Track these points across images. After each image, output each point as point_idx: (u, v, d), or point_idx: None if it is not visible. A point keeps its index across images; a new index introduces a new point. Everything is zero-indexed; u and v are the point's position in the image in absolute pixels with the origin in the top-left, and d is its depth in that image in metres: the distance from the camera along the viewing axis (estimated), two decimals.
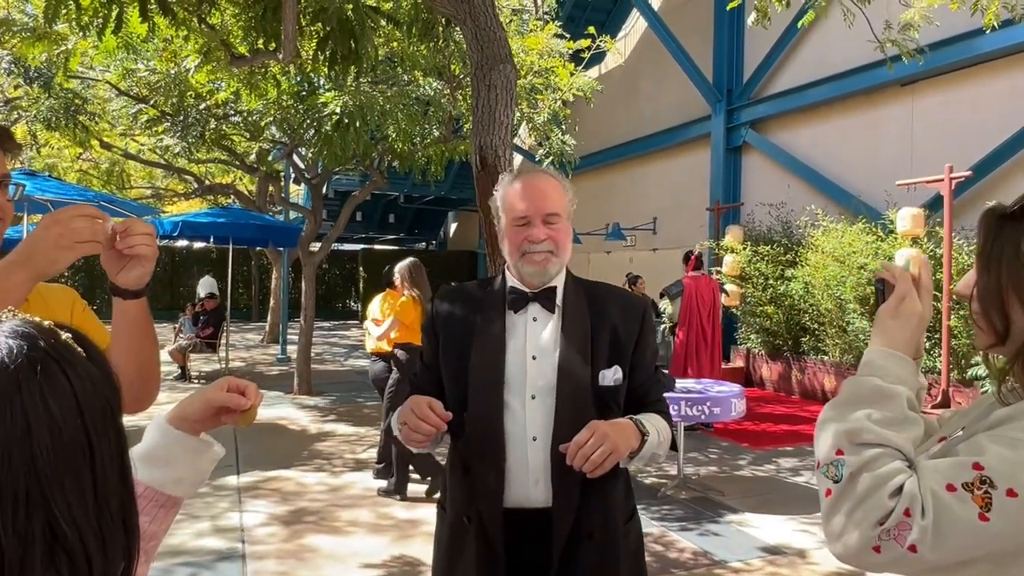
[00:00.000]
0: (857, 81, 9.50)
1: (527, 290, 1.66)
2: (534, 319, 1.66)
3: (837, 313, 8.76)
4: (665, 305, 7.99)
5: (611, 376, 1.63)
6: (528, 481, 1.58)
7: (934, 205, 8.01)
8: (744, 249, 10.16)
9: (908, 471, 0.86)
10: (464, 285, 1.80)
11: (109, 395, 0.60)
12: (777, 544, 4.32)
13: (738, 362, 10.62)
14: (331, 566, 3.93)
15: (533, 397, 1.60)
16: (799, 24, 6.06)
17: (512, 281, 1.69)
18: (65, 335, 0.60)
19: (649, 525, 4.54)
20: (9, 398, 0.53)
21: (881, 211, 8.57)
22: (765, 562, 4.06)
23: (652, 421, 1.62)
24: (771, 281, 9.78)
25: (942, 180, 7.05)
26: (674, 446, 1.75)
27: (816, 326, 9.27)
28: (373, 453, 6.36)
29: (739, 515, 4.83)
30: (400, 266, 5.39)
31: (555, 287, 1.67)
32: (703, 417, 5.15)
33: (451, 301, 1.75)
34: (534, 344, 1.64)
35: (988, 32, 4.92)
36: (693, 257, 7.89)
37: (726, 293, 9.22)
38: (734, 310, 10.33)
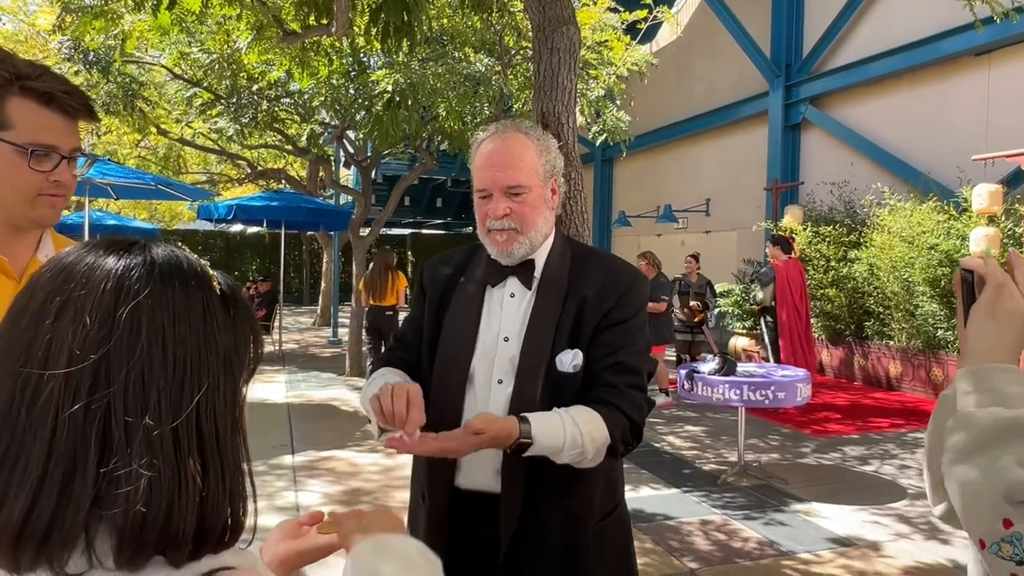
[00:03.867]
0: (927, 52, 9.02)
1: (506, 262, 1.49)
2: (511, 295, 1.48)
3: (904, 296, 8.37)
4: (755, 291, 7.72)
5: (569, 361, 1.41)
6: (488, 468, 1.43)
7: (1013, 181, 7.56)
8: (804, 230, 9.78)
9: None
10: (453, 252, 1.63)
11: (229, 344, 0.63)
12: (848, 536, 4.11)
13: None
14: None
15: (500, 381, 1.44)
16: None
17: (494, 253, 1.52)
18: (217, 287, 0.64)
19: (710, 512, 4.37)
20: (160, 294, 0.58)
21: (953, 188, 8.12)
22: (836, 554, 3.86)
23: (563, 420, 1.32)
24: (833, 263, 9.40)
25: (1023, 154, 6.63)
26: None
27: (881, 310, 8.88)
28: None
29: (805, 504, 4.62)
30: None
31: (534, 259, 1.48)
32: (766, 402, 4.94)
33: (438, 268, 1.60)
34: (509, 323, 1.47)
35: None
36: (789, 240, 7.58)
37: None
38: None
